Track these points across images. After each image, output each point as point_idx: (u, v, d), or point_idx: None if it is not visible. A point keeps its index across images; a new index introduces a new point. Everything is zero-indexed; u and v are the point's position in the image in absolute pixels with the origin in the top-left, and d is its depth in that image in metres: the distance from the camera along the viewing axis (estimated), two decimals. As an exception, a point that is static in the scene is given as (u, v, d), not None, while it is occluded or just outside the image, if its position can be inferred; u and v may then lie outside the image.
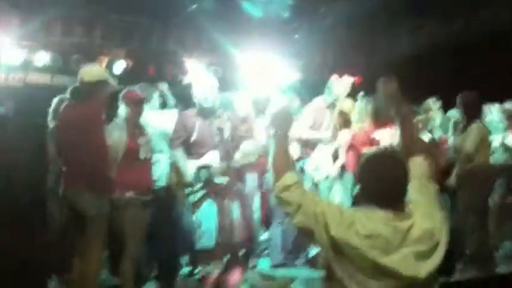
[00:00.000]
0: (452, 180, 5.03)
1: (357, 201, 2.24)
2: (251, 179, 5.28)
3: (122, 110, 4.28)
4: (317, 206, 2.17)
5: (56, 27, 6.80)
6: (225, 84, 6.55)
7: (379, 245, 2.05)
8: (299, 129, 5.40)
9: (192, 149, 4.55)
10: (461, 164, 5.03)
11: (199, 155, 4.51)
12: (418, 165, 2.36)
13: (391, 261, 2.04)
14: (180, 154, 4.52)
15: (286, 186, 2.24)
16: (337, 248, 2.08)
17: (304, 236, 2.24)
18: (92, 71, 4.08)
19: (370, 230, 2.06)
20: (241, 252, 4.78)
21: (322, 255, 2.15)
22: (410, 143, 2.49)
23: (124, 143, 4.13)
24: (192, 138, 4.52)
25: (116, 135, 4.11)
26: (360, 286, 2.06)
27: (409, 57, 7.78)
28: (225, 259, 4.61)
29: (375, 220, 2.10)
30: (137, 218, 4.09)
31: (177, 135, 4.57)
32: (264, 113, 5.71)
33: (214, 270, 4.55)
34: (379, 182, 2.14)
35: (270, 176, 5.13)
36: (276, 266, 5.24)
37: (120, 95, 4.32)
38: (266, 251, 5.50)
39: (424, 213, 2.18)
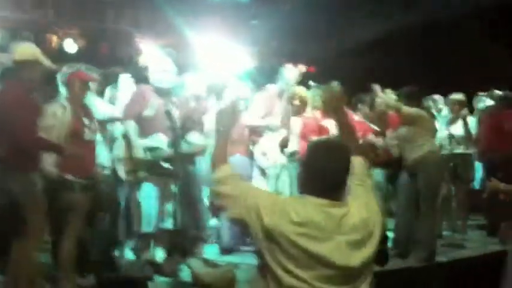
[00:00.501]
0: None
1: (299, 187, 2.23)
2: (203, 163, 5.23)
3: (65, 90, 4.15)
4: (250, 196, 2.15)
5: (5, 2, 6.57)
6: (179, 67, 6.49)
7: (311, 233, 2.04)
8: (249, 117, 5.38)
9: (141, 127, 4.47)
10: (410, 153, 5.14)
11: (148, 134, 4.44)
12: (357, 163, 2.37)
13: (323, 249, 2.03)
14: (132, 126, 4.45)
15: (221, 178, 2.23)
16: (270, 237, 2.06)
17: (239, 227, 2.22)
18: (23, 50, 3.91)
19: (303, 217, 2.05)
20: (185, 238, 4.76)
21: (256, 246, 2.13)
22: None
23: (67, 124, 4.02)
24: (146, 113, 4.46)
25: (58, 115, 4.00)
26: (291, 276, 2.04)
27: (365, 43, 7.84)
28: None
29: (309, 207, 2.09)
30: (77, 202, 3.99)
31: (133, 106, 4.50)
32: (219, 98, 5.67)
33: (156, 256, 4.54)
34: (321, 170, 2.13)
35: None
36: (224, 251, 5.24)
37: (66, 75, 4.18)
38: (213, 238, 5.45)
39: (361, 204, 2.20)
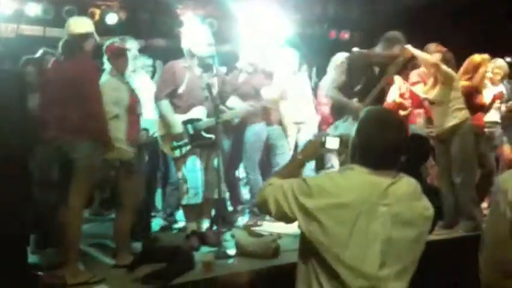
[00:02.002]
0: None
1: (350, 156, 2.16)
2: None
3: (108, 63, 4.19)
4: (283, 187, 2.12)
5: (47, -22, 6.62)
6: (220, 37, 6.44)
7: (351, 203, 1.97)
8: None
9: (178, 101, 4.45)
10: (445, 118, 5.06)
11: (185, 109, 4.42)
12: None
13: (363, 220, 1.97)
14: (167, 105, 4.43)
15: (260, 191, 2.25)
16: (310, 217, 2.02)
17: (286, 222, 2.20)
18: (81, 23, 3.96)
19: (343, 187, 2.00)
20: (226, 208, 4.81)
21: (300, 230, 2.10)
22: None
23: (128, 98, 4.08)
24: (180, 90, 4.41)
25: (120, 89, 4.07)
26: (333, 257, 1.99)
27: (411, 9, 7.54)
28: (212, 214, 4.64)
29: (352, 176, 2.03)
30: (133, 172, 4.08)
31: (165, 85, 4.46)
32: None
33: (202, 226, 4.59)
34: (371, 140, 2.05)
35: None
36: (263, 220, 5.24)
37: (105, 49, 4.22)
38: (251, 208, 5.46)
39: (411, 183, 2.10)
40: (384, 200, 2.00)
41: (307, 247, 2.07)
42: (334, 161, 5.35)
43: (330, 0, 7.80)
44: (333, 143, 2.41)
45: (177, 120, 4.40)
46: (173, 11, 7.19)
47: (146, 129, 4.56)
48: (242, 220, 5.30)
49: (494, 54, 5.91)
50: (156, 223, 5.33)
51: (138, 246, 4.35)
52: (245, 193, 5.85)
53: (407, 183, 2.07)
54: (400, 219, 2.01)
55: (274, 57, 5.68)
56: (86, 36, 3.86)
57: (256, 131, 5.20)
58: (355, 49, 5.18)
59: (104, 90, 3.89)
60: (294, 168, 2.42)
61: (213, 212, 4.75)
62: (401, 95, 5.82)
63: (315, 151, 2.45)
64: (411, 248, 2.06)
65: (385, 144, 2.04)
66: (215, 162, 4.46)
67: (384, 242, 1.99)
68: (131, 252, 4.09)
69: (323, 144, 2.40)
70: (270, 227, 4.99)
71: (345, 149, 2.37)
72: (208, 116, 4.46)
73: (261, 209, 2.31)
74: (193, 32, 4.56)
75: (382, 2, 7.50)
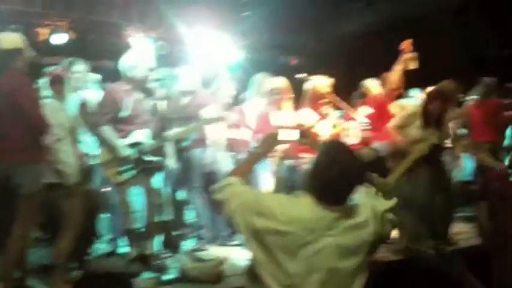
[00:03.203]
0: None
1: (305, 184, 2.17)
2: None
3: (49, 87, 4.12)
4: (240, 198, 2.14)
5: (-7, -5, 6.51)
6: (171, 59, 6.46)
7: (298, 232, 2.01)
8: None
9: (120, 126, 4.37)
10: None
11: (128, 133, 4.36)
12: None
13: (309, 250, 2.01)
14: (110, 129, 4.34)
15: (218, 188, 2.25)
16: (257, 237, 2.04)
17: (232, 227, 2.23)
18: (9, 38, 3.86)
19: (290, 215, 2.03)
20: (173, 232, 4.75)
21: (246, 246, 2.11)
22: None
23: (68, 121, 4.02)
24: (122, 114, 4.34)
25: (61, 111, 4.00)
26: (277, 277, 2.02)
27: (358, 36, 7.78)
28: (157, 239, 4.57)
29: (302, 205, 2.06)
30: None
31: (106, 110, 4.36)
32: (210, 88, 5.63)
33: (145, 250, 4.52)
34: (330, 173, 2.07)
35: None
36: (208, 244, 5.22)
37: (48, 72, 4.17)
38: (196, 232, 5.43)
39: (362, 209, 2.14)
40: (330, 232, 2.04)
41: (253, 268, 2.09)
42: None
43: (278, 27, 7.94)
44: (288, 134, 2.41)
45: (122, 143, 4.34)
46: (123, 32, 7.17)
47: (86, 154, 4.48)
48: (187, 244, 5.25)
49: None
50: (100, 248, 5.21)
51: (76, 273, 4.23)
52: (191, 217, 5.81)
53: (356, 213, 2.11)
54: (345, 249, 2.05)
55: (218, 80, 5.69)
56: (14, 52, 3.77)
57: (198, 155, 5.19)
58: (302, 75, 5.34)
59: (47, 112, 3.82)
60: (251, 163, 2.44)
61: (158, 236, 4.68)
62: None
63: (272, 144, 2.45)
64: (354, 277, 2.10)
65: (334, 177, 2.06)
66: (159, 185, 4.41)
67: (326, 272, 2.03)
68: (69, 279, 3.97)
69: (277, 136, 2.41)
70: (214, 251, 4.97)
71: (306, 140, 2.42)
72: (151, 138, 4.41)
73: (216, 204, 2.29)
74: (131, 55, 4.48)
75: (328, 29, 7.73)
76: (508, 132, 6.26)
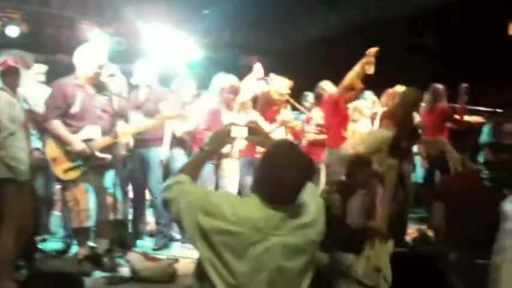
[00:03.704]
0: None
1: (251, 186, 2.16)
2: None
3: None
4: (188, 197, 2.11)
5: None
6: (127, 55, 6.34)
7: (246, 232, 1.99)
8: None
9: (70, 121, 4.26)
10: None
11: (78, 129, 4.26)
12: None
13: (256, 249, 1.99)
14: (60, 124, 4.22)
15: (168, 185, 2.22)
16: (205, 236, 2.02)
17: (179, 228, 2.20)
18: None
19: (239, 215, 2.01)
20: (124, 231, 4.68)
21: (193, 244, 2.08)
22: None
23: (22, 115, 3.89)
24: (73, 110, 4.23)
25: (14, 105, 3.85)
26: (224, 276, 2.00)
27: (321, 38, 7.84)
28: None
29: (250, 206, 2.04)
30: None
31: (55, 105, 4.24)
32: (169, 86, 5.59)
33: (96, 249, 4.43)
34: (277, 175, 2.05)
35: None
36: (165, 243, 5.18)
37: None
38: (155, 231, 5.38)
39: (309, 208, 2.14)
40: (277, 232, 2.03)
41: (201, 267, 2.07)
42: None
43: (239, 25, 7.92)
44: (239, 131, 2.36)
45: (75, 138, 4.22)
46: (78, 26, 7.01)
47: (38, 149, 4.35)
48: (142, 243, 5.19)
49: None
50: (52, 246, 5.08)
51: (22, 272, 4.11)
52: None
53: (304, 213, 2.10)
54: (292, 249, 2.05)
55: (178, 78, 5.66)
56: None
57: (157, 153, 5.14)
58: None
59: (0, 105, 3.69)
60: (200, 161, 2.38)
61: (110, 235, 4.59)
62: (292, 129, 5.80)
63: (222, 141, 2.41)
64: (301, 276, 2.10)
65: (282, 180, 2.05)
66: (110, 182, 4.33)
67: (273, 271, 2.02)
68: (15, 279, 3.85)
69: (228, 133, 2.36)
70: (170, 250, 4.93)
71: (253, 137, 2.39)
72: (103, 134, 4.33)
73: (164, 203, 2.25)
74: (83, 50, 4.38)
75: (290, 30, 7.76)
76: (484, 129, 6.42)
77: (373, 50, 5.05)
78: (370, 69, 5.11)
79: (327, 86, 5.80)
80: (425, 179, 6.33)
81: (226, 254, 1.99)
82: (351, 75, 5.12)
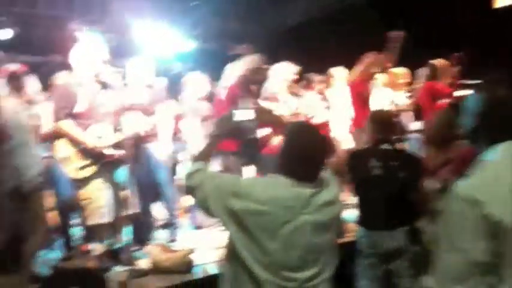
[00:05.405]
0: None
1: (276, 167, 2.24)
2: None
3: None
4: (212, 183, 2.19)
5: None
6: (119, 52, 6.34)
7: (276, 211, 2.08)
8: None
9: (77, 120, 4.25)
10: None
11: (85, 127, 4.28)
12: None
13: (286, 228, 2.08)
14: (71, 123, 4.23)
15: (190, 173, 2.29)
16: (236, 220, 2.10)
17: (205, 214, 2.28)
18: None
19: (267, 195, 2.09)
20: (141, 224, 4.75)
21: (225, 230, 2.18)
22: None
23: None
24: (77, 109, 4.24)
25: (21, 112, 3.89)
26: (256, 259, 2.09)
27: (305, 25, 7.91)
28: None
29: (277, 186, 2.13)
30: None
31: (62, 105, 4.25)
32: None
33: (114, 244, 4.50)
34: (300, 152, 2.17)
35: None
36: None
37: None
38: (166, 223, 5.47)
39: (330, 187, 2.24)
40: (306, 209, 2.13)
41: (232, 249, 2.15)
42: None
43: (227, 16, 7.97)
44: (244, 114, 2.44)
45: (87, 135, 4.26)
46: (68, 26, 6.98)
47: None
48: (158, 236, 5.27)
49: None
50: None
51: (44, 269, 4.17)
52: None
53: (327, 192, 2.21)
54: (320, 225, 2.15)
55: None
56: None
57: (164, 147, 5.22)
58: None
59: (8, 114, 3.71)
60: (209, 147, 2.47)
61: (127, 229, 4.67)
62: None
63: (228, 124, 2.48)
64: (327, 250, 2.22)
65: (302, 156, 2.16)
66: (123, 178, 4.39)
67: (304, 248, 2.12)
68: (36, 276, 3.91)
69: (231, 117, 2.44)
70: (183, 241, 5.02)
71: (262, 118, 2.48)
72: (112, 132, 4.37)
73: (187, 191, 2.34)
74: (79, 49, 4.38)
75: (280, 18, 7.82)
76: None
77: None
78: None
79: (336, 72, 5.96)
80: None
81: (258, 233, 2.08)
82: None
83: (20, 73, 4.03)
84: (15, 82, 3.98)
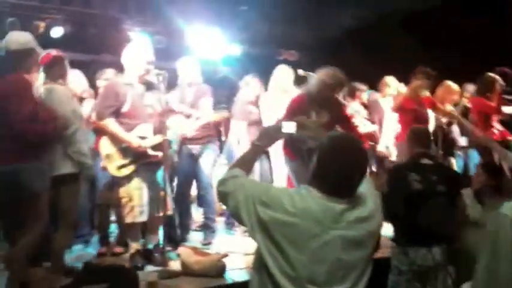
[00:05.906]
0: None
1: (308, 178, 2.17)
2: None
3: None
4: (245, 188, 2.15)
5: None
6: (168, 54, 6.43)
7: (305, 224, 2.02)
8: None
9: (122, 120, 4.34)
10: None
11: (130, 128, 4.34)
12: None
13: (315, 242, 2.02)
14: (115, 122, 4.31)
15: (224, 179, 2.26)
16: (264, 229, 2.05)
17: (237, 221, 2.26)
18: (18, 39, 3.71)
19: (298, 207, 2.03)
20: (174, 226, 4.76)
21: (252, 239, 2.13)
22: None
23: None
24: (124, 109, 4.32)
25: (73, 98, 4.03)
26: (283, 269, 2.03)
27: (355, 32, 7.79)
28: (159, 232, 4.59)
29: (308, 198, 2.07)
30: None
31: (108, 103, 4.34)
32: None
33: (147, 244, 4.54)
34: (336, 167, 2.08)
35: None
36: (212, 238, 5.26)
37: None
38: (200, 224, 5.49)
39: (367, 202, 2.16)
40: (336, 225, 2.05)
41: (260, 259, 2.10)
42: None
43: (277, 21, 7.95)
44: (289, 127, 2.43)
45: (131, 135, 4.31)
46: (121, 26, 7.14)
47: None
48: (191, 238, 5.29)
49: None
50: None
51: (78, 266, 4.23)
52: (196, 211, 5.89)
53: (361, 208, 2.12)
54: (351, 242, 2.07)
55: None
56: (23, 52, 3.64)
57: (208, 149, 5.23)
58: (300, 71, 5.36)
59: (61, 100, 3.79)
60: (252, 155, 2.45)
61: (160, 230, 4.70)
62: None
63: (272, 136, 2.48)
64: (359, 267, 2.12)
65: (339, 171, 2.08)
66: (161, 179, 4.42)
67: (333, 263, 2.05)
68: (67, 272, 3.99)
69: (280, 128, 2.44)
70: (217, 245, 5.01)
71: (302, 131, 2.44)
72: (155, 132, 4.41)
73: (219, 197, 2.31)
74: (131, 49, 4.47)
75: (328, 24, 7.72)
76: None
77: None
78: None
79: (393, 83, 6.00)
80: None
81: (286, 245, 2.02)
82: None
83: (62, 58, 4.08)
84: (56, 67, 4.02)
